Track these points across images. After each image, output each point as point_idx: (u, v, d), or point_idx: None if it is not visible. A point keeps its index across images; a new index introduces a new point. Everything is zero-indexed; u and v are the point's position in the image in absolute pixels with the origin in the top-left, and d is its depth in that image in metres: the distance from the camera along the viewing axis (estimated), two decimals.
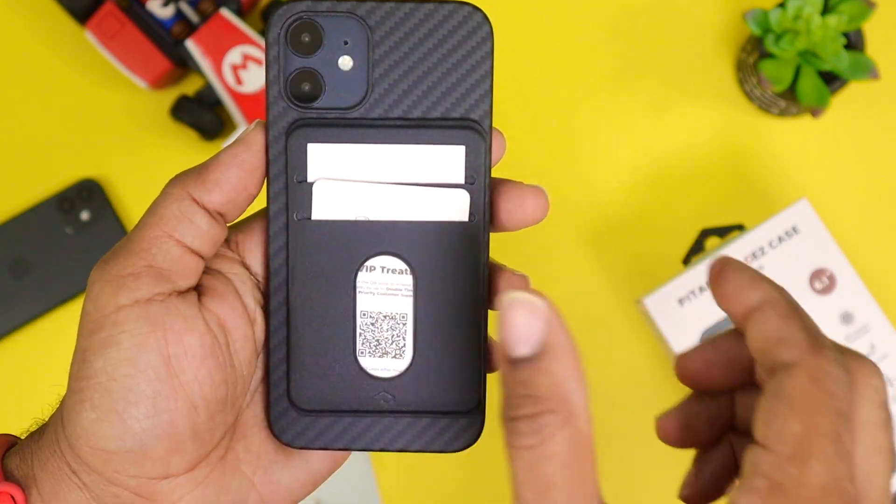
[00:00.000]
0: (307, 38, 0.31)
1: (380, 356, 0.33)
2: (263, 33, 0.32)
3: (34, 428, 0.33)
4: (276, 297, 0.32)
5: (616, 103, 0.73)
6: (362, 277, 0.32)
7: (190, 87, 0.73)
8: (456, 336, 0.32)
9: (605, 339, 0.71)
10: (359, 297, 0.32)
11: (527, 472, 0.27)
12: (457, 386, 0.32)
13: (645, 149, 0.73)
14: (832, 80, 0.68)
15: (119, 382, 0.29)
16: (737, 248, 0.64)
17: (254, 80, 0.69)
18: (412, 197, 0.32)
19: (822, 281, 0.64)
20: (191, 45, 0.69)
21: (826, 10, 0.66)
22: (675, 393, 0.70)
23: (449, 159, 0.32)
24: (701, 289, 0.64)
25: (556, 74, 0.74)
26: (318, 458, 0.33)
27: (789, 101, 0.69)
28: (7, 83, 0.74)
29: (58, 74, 0.74)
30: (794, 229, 0.64)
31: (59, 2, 0.70)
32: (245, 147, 0.31)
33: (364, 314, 0.33)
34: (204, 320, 0.31)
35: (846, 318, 0.64)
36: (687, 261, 0.69)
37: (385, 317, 0.33)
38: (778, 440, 0.26)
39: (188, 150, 0.73)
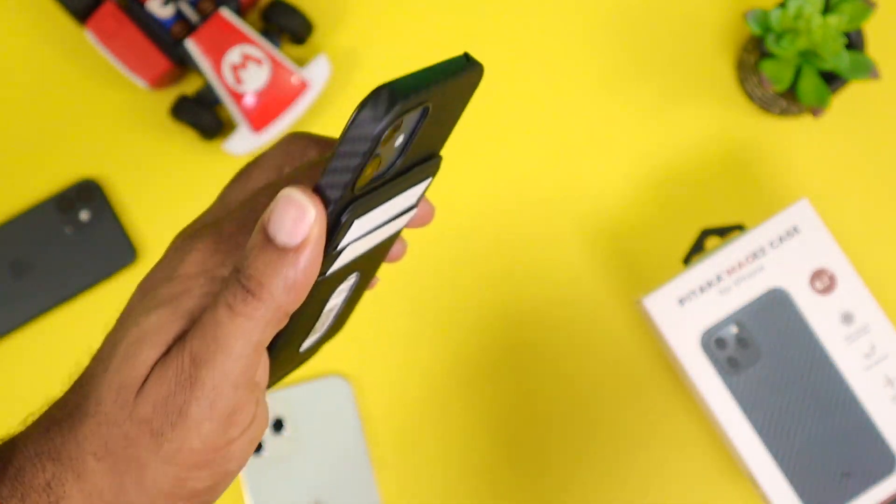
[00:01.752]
0: (389, 134, 0.30)
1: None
2: (355, 122, 0.29)
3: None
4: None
5: (616, 103, 0.73)
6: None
7: (190, 86, 0.73)
8: None
9: (605, 339, 0.71)
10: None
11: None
12: None
13: (645, 149, 0.73)
14: (833, 80, 0.68)
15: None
16: (737, 248, 0.64)
17: (254, 79, 0.69)
18: (388, 229, 0.35)
19: (823, 281, 0.64)
20: (190, 44, 0.69)
21: (827, 9, 0.66)
22: (675, 393, 0.70)
23: (418, 190, 0.36)
24: (701, 289, 0.64)
25: (556, 74, 0.74)
26: None
27: (790, 100, 0.69)
28: (7, 83, 0.74)
29: (57, 74, 0.74)
30: (795, 229, 0.64)
31: (59, 2, 0.70)
32: (319, 261, 0.31)
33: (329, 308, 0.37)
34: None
35: (846, 318, 0.64)
36: (687, 261, 0.69)
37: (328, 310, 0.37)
38: None
39: (188, 150, 0.73)
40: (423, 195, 0.36)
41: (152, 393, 0.31)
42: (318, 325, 0.37)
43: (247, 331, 0.30)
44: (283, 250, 0.30)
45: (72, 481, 0.32)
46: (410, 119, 0.31)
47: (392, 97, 0.29)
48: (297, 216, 0.29)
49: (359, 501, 0.69)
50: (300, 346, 0.37)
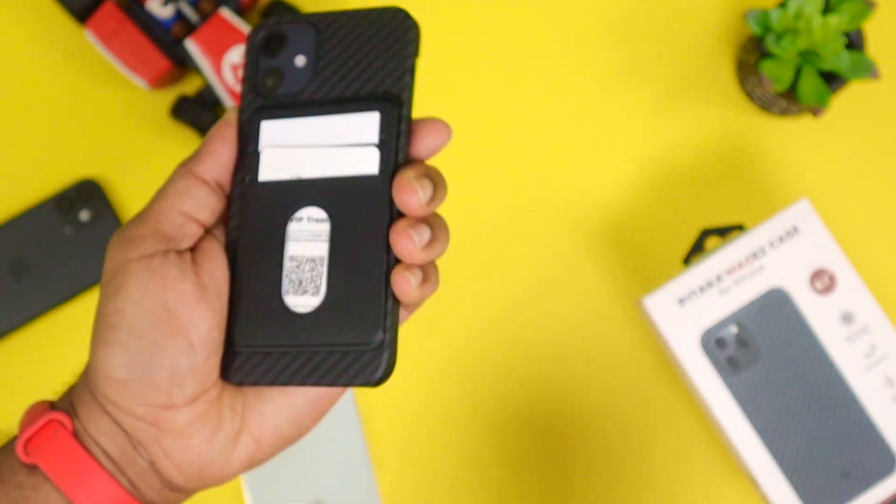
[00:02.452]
0: (274, 44, 0.39)
1: (300, 294, 0.37)
2: (247, 41, 0.40)
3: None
4: (230, 251, 0.38)
5: (616, 103, 0.73)
6: (292, 227, 0.38)
7: (190, 86, 0.73)
8: (362, 276, 0.37)
9: (605, 339, 0.71)
10: (288, 244, 0.38)
11: None
12: (363, 322, 0.36)
13: (645, 149, 0.73)
14: (833, 80, 0.68)
15: (126, 320, 0.35)
16: (737, 248, 0.64)
17: None
18: (335, 157, 0.38)
19: (823, 281, 0.64)
20: (190, 44, 0.69)
21: (827, 9, 0.66)
22: (675, 393, 0.70)
23: (366, 124, 0.38)
24: (701, 289, 0.64)
25: (556, 74, 0.73)
26: (298, 395, 0.37)
27: (790, 100, 0.69)
28: (7, 83, 0.74)
29: (58, 74, 0.74)
30: (795, 229, 0.64)
31: (59, 2, 0.70)
32: (226, 125, 0.38)
33: (292, 258, 0.38)
34: (196, 273, 0.36)
35: (846, 318, 0.64)
36: (687, 261, 0.69)
37: (308, 259, 0.37)
38: None
39: (188, 150, 0.73)
40: (390, 134, 0.38)
41: None
42: (294, 275, 0.37)
43: (170, 183, 0.38)
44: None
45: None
46: (300, 38, 0.39)
47: (268, 18, 0.38)
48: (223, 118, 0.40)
49: (359, 501, 0.69)
50: (280, 299, 0.37)
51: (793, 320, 0.64)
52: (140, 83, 0.70)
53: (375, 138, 0.38)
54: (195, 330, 0.35)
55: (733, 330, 0.64)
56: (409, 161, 0.38)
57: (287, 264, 0.37)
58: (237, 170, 0.39)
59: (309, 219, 0.38)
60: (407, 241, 0.35)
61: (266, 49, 0.39)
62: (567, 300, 0.71)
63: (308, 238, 0.37)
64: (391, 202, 0.37)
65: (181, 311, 0.35)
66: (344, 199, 0.37)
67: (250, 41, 0.40)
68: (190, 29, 0.70)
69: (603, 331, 0.70)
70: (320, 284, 0.37)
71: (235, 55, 0.69)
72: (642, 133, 0.73)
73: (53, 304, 0.71)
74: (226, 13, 0.69)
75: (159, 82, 0.71)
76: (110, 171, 0.73)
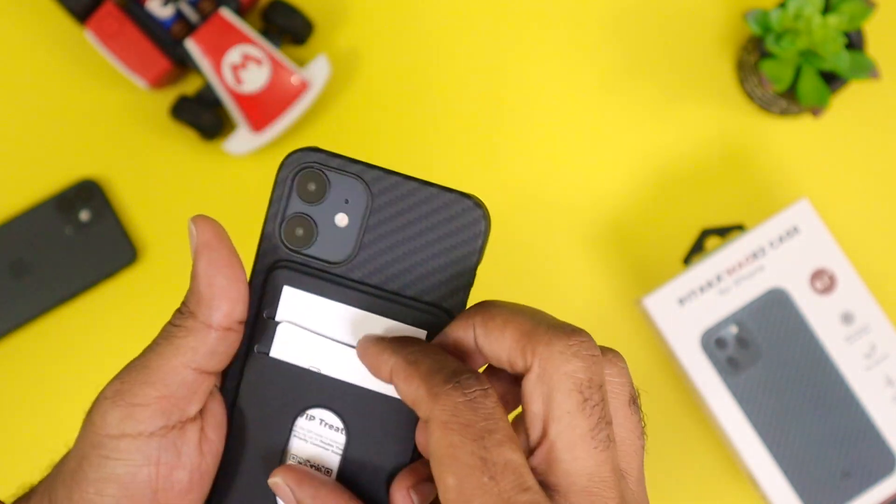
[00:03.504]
0: (312, 188, 0.32)
1: None
2: (278, 169, 0.33)
3: (20, 493, 0.35)
4: (227, 425, 0.34)
5: (616, 103, 0.73)
6: (300, 423, 0.33)
7: (190, 86, 0.73)
8: (372, 500, 0.32)
9: (605, 339, 0.70)
10: (293, 440, 0.33)
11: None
12: None
13: (645, 149, 0.73)
14: (832, 80, 0.68)
15: (105, 500, 0.31)
16: (737, 248, 0.64)
17: (254, 79, 0.69)
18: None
19: (823, 281, 0.64)
20: (190, 44, 0.69)
21: (827, 9, 0.66)
22: (675, 393, 0.70)
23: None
24: (701, 289, 0.64)
25: (556, 74, 0.74)
26: None
27: (790, 100, 0.69)
28: (7, 83, 0.74)
29: (58, 74, 0.74)
30: (795, 229, 0.64)
31: (58, 2, 0.70)
32: (230, 261, 0.32)
33: (293, 457, 0.33)
34: (199, 450, 0.32)
35: (846, 318, 0.64)
36: (687, 261, 0.69)
37: (312, 466, 0.33)
38: (444, 498, 0.27)
39: (188, 150, 0.73)
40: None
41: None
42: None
43: (170, 333, 0.32)
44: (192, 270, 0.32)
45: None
46: (348, 192, 0.32)
47: (311, 147, 0.31)
48: (190, 239, 0.32)
49: None
50: (274, 501, 0.33)
51: (793, 320, 0.64)
52: (140, 83, 0.70)
53: None
54: None
55: (733, 330, 0.64)
56: None
57: (288, 461, 0.33)
58: (246, 328, 0.33)
59: (322, 422, 0.33)
60: None
61: (303, 189, 0.32)
62: (567, 300, 0.70)
63: (318, 443, 0.33)
64: (413, 434, 0.32)
65: (171, 501, 0.32)
66: (367, 416, 0.32)
67: (285, 170, 0.32)
68: (190, 29, 0.70)
69: (603, 331, 0.70)
70: None
71: (235, 55, 0.69)
72: (642, 133, 0.73)
73: (53, 304, 0.71)
74: (226, 13, 0.69)
75: (159, 82, 0.71)
76: (110, 171, 0.73)
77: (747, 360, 0.63)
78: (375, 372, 0.31)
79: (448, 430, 0.27)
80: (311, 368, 0.33)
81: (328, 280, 0.32)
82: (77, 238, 0.71)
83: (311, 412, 0.33)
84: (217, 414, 0.33)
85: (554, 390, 0.28)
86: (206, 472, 0.32)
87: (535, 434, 0.28)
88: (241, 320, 0.32)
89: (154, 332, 0.33)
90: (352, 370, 0.32)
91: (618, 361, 0.31)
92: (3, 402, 0.71)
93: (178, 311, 0.32)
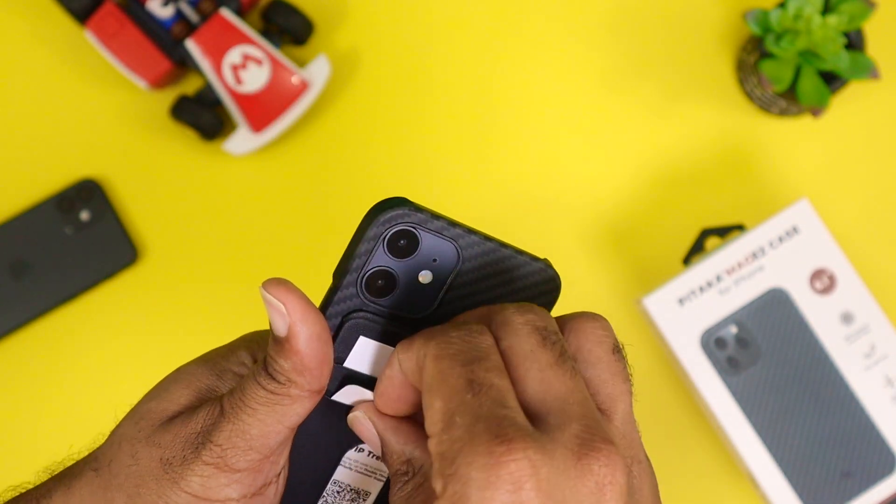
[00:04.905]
0: (403, 244, 0.32)
1: None
2: (364, 221, 0.32)
3: (12, 495, 0.35)
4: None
5: (616, 103, 0.73)
6: (350, 454, 0.34)
7: (190, 87, 0.73)
8: None
9: None
10: (339, 469, 0.34)
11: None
12: None
13: (645, 149, 0.73)
14: (832, 80, 0.68)
15: None
16: (736, 248, 0.64)
17: (254, 79, 0.69)
18: None
19: (823, 281, 0.64)
20: (191, 44, 0.69)
21: (826, 9, 0.66)
22: (675, 393, 0.70)
23: None
24: (701, 289, 0.64)
25: (556, 74, 0.74)
26: None
27: (789, 100, 0.69)
28: (7, 83, 0.74)
29: (58, 74, 0.74)
30: (795, 229, 0.64)
31: (59, 2, 0.70)
32: (323, 327, 0.31)
33: (336, 482, 0.34)
34: (277, 493, 0.32)
35: (846, 318, 0.64)
36: (687, 261, 0.69)
37: (351, 489, 0.34)
38: (430, 422, 0.28)
39: (188, 150, 0.73)
40: None
41: (177, 425, 0.31)
42: (330, 499, 0.34)
43: (271, 401, 0.31)
44: (281, 340, 0.31)
45: (61, 492, 0.32)
46: (437, 251, 0.32)
47: (400, 199, 0.31)
48: (276, 312, 0.31)
49: None
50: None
51: (793, 320, 0.64)
52: (140, 83, 0.70)
53: None
54: None
55: (733, 330, 0.64)
56: None
57: (328, 487, 0.34)
58: None
59: (370, 453, 0.34)
60: None
61: (393, 245, 0.31)
62: (567, 300, 0.70)
63: (362, 470, 0.34)
64: None
65: None
66: None
67: (377, 228, 0.31)
68: (190, 29, 0.70)
69: None
70: None
71: (236, 55, 0.69)
72: (642, 133, 0.73)
73: (53, 304, 0.71)
74: (226, 13, 0.69)
75: (159, 82, 0.71)
76: (110, 171, 0.73)
77: (747, 360, 0.63)
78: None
79: (439, 360, 0.28)
80: None
81: (399, 331, 0.32)
82: (77, 238, 0.71)
83: (362, 445, 0.34)
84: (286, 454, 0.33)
85: (513, 336, 0.29)
86: None
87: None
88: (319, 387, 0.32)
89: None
90: None
91: (600, 318, 0.33)
92: (3, 402, 0.71)
93: (269, 375, 0.31)
